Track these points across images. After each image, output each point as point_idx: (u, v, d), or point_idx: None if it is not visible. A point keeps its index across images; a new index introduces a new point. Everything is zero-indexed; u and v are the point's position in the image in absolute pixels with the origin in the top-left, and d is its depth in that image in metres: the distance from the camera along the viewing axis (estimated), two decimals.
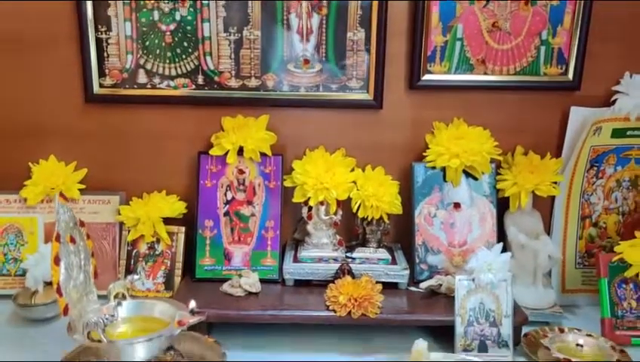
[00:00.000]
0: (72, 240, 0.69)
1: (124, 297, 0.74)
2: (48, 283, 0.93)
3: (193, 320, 0.71)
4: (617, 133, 0.94)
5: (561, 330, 0.86)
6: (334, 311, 0.82)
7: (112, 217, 0.97)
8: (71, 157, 0.98)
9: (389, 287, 0.89)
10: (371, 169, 0.95)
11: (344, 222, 0.96)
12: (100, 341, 0.66)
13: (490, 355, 0.80)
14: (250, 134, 0.93)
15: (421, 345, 0.71)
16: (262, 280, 0.90)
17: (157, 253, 0.95)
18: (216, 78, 0.95)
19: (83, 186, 0.97)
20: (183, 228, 0.96)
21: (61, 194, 0.75)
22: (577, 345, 0.82)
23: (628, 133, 0.95)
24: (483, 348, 0.80)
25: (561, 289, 0.98)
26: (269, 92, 0.96)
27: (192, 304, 0.73)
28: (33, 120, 0.99)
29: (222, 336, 0.80)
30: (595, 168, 0.96)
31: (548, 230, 0.97)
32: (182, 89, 0.96)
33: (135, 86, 0.96)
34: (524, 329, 0.86)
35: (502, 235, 0.95)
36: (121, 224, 0.96)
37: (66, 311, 0.65)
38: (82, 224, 0.74)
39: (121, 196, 0.98)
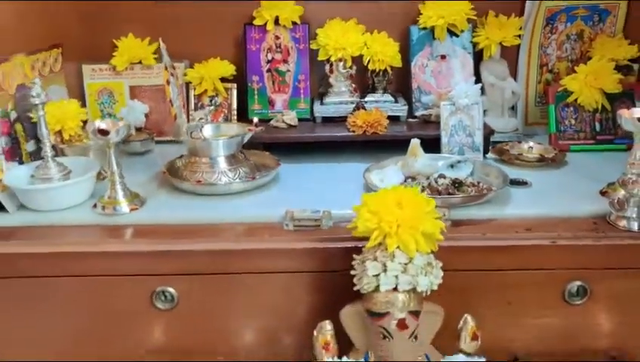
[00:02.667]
0: (172, 75, 0.99)
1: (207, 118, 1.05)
2: (138, 129, 1.25)
3: (258, 128, 1.02)
4: None
5: (519, 142, 1.17)
6: (353, 131, 1.14)
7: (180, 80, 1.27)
8: (146, 35, 1.27)
9: (392, 120, 1.20)
10: (377, 32, 1.23)
11: (358, 75, 1.25)
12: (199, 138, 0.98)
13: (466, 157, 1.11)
14: (283, 7, 1.21)
15: (415, 141, 1.02)
16: (298, 119, 1.21)
17: (217, 103, 1.25)
18: None
19: (156, 56, 1.27)
20: (235, 85, 1.26)
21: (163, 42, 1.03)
22: (529, 147, 1.13)
23: None
24: (461, 152, 1.11)
25: (524, 122, 1.29)
26: None
27: (256, 120, 1.04)
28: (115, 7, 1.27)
29: (274, 153, 1.11)
30: (550, 25, 1.24)
31: (514, 75, 1.26)
32: None
33: None
34: (494, 145, 1.18)
35: (477, 79, 1.24)
36: (188, 85, 1.26)
37: (175, 117, 0.96)
38: (173, 67, 1.04)
39: (186, 63, 1.27)
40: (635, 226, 0.83)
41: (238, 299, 0.86)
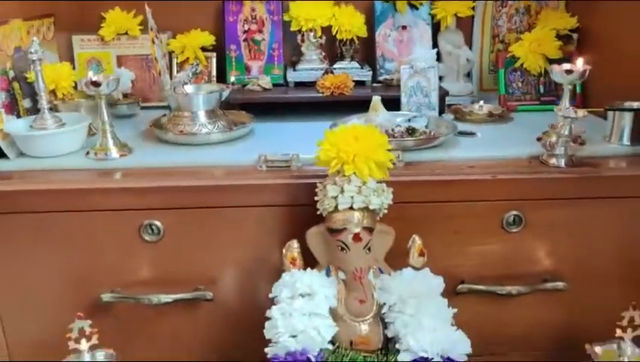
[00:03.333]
0: (157, 37, 1.10)
1: (189, 78, 1.16)
2: (124, 95, 1.35)
3: (234, 86, 1.13)
4: None
5: (472, 103, 1.30)
6: (322, 93, 1.25)
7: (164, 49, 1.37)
8: (132, 8, 1.37)
9: (358, 84, 1.32)
10: (345, 6, 1.36)
11: (327, 44, 1.37)
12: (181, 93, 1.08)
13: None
14: None
15: (376, 97, 1.14)
16: (272, 84, 1.33)
17: (197, 71, 1.36)
18: None
19: (142, 27, 1.37)
20: (214, 53, 1.37)
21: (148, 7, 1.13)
22: (480, 106, 1.26)
23: None
24: (419, 110, 1.23)
25: (479, 88, 1.41)
26: None
27: (233, 78, 1.15)
28: None
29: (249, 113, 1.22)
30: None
31: (469, 45, 1.39)
32: None
33: None
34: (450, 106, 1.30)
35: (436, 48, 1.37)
36: (171, 54, 1.37)
37: (159, 74, 1.06)
38: (157, 30, 1.13)
39: (169, 34, 1.38)
40: (562, 163, 0.96)
41: (217, 231, 0.96)
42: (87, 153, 1.02)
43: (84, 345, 0.89)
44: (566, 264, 0.99)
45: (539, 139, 1.05)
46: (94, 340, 0.89)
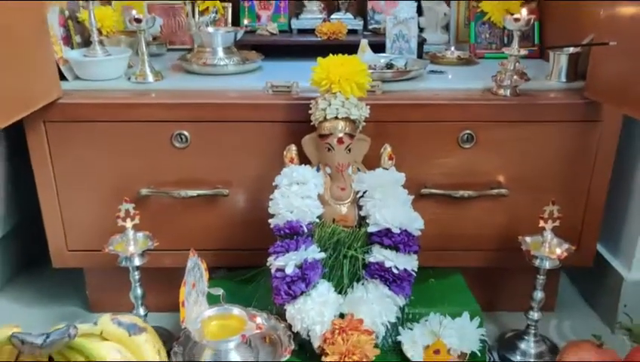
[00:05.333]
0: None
1: (210, 20, 1.40)
2: (154, 38, 1.59)
3: (247, 27, 1.37)
4: None
5: (446, 50, 1.54)
6: (320, 37, 1.49)
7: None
8: None
9: (351, 32, 1.55)
10: None
11: None
12: (205, 32, 1.33)
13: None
14: None
15: (364, 40, 1.38)
16: (278, 30, 1.57)
17: (216, 18, 1.60)
18: None
19: None
20: (230, 4, 1.59)
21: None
22: (451, 52, 1.49)
23: None
24: (400, 53, 1.47)
25: (455, 39, 1.64)
26: None
27: (246, 22, 1.39)
28: None
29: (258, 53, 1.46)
30: None
31: (448, 2, 1.63)
32: None
33: None
34: (427, 52, 1.53)
35: (419, 9, 1.60)
36: (193, 3, 1.60)
37: (187, 15, 1.29)
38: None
39: None
40: (508, 93, 1.21)
41: (233, 140, 1.21)
42: (129, 78, 1.27)
43: (129, 223, 1.16)
44: (509, 175, 1.24)
45: (493, 77, 1.29)
46: (137, 220, 1.16)
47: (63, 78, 1.25)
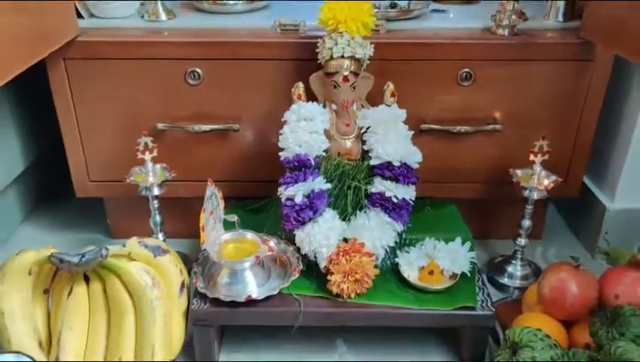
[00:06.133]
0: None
1: None
2: None
3: None
4: None
5: None
6: None
7: None
8: None
9: None
10: None
11: None
12: None
13: None
14: None
15: None
16: None
17: None
18: None
19: None
20: None
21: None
22: None
23: None
24: None
25: None
26: None
27: None
28: None
29: None
30: None
31: None
32: None
33: None
34: None
35: None
36: None
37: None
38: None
39: None
40: (506, 32, 1.26)
41: (243, 77, 1.28)
42: (142, 16, 1.32)
43: (147, 155, 1.24)
44: (504, 111, 1.31)
45: (492, 16, 1.34)
46: (155, 153, 1.25)
47: (79, 16, 1.30)
